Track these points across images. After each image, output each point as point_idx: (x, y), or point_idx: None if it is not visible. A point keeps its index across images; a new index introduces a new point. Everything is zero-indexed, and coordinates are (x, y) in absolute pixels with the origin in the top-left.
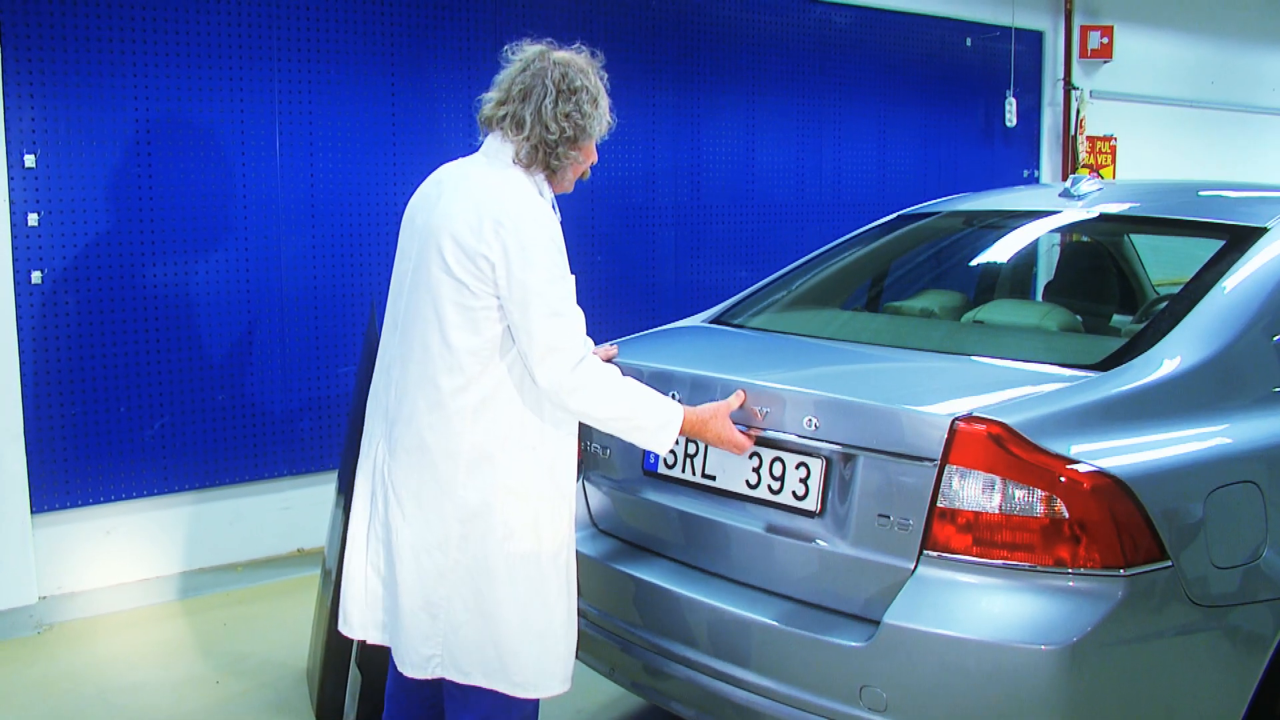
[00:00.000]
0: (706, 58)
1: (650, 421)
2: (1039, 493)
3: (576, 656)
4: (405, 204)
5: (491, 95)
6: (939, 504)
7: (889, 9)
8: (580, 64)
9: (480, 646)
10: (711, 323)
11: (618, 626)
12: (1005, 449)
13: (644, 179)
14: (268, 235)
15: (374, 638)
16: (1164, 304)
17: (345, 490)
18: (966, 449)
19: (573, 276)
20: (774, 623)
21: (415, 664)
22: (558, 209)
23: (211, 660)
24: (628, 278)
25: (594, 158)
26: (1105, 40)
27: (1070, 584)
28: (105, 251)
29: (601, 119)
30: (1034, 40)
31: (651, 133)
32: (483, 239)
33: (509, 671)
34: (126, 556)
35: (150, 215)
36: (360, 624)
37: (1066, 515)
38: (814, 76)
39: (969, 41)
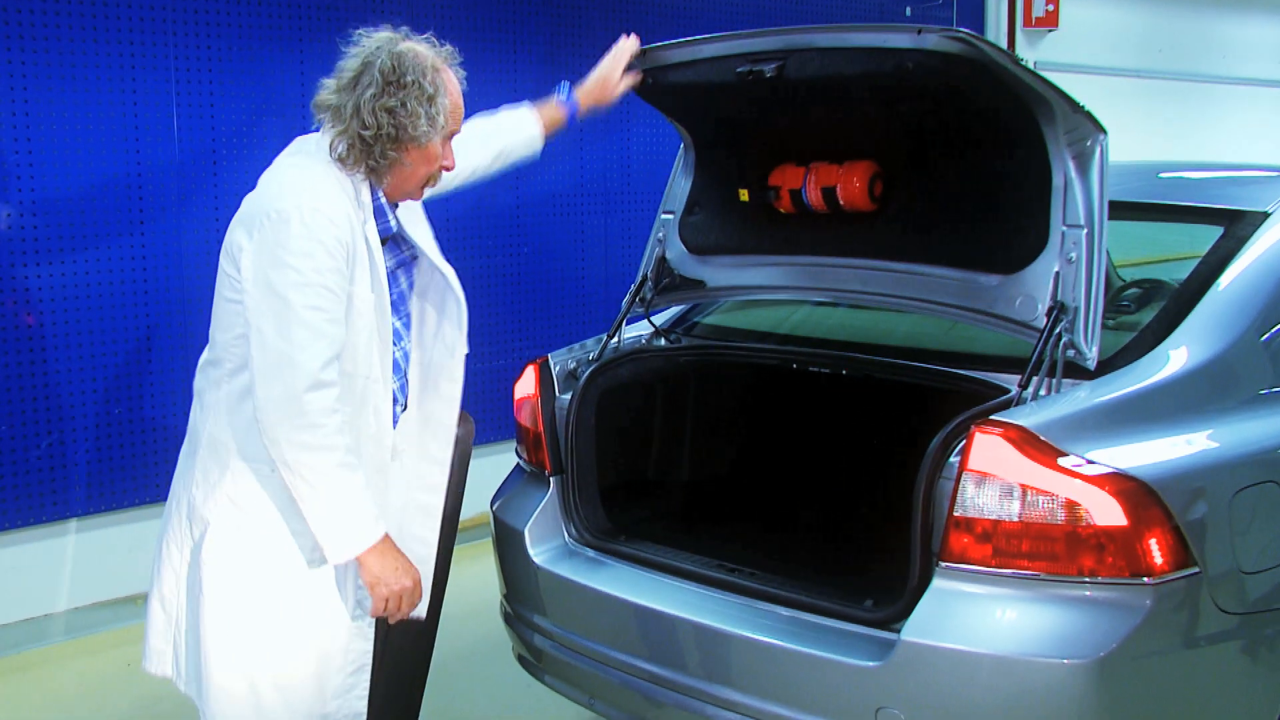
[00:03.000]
0: (636, 29)
1: (342, 518)
2: (1060, 498)
3: (546, 683)
4: None
5: (329, 81)
6: (955, 512)
7: None
8: (422, 57)
9: (192, 655)
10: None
11: (595, 650)
12: (1023, 453)
13: (573, 165)
14: (166, 228)
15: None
16: (1132, 289)
17: None
18: (983, 454)
19: (352, 294)
20: (779, 642)
21: (147, 655)
22: (391, 215)
23: (117, 708)
24: (556, 268)
25: (441, 161)
26: (1051, 8)
27: (1095, 594)
28: None
29: (434, 120)
30: (976, 8)
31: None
32: (249, 232)
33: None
34: (7, 594)
35: (30, 208)
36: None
37: (1090, 522)
38: None
39: (908, 11)
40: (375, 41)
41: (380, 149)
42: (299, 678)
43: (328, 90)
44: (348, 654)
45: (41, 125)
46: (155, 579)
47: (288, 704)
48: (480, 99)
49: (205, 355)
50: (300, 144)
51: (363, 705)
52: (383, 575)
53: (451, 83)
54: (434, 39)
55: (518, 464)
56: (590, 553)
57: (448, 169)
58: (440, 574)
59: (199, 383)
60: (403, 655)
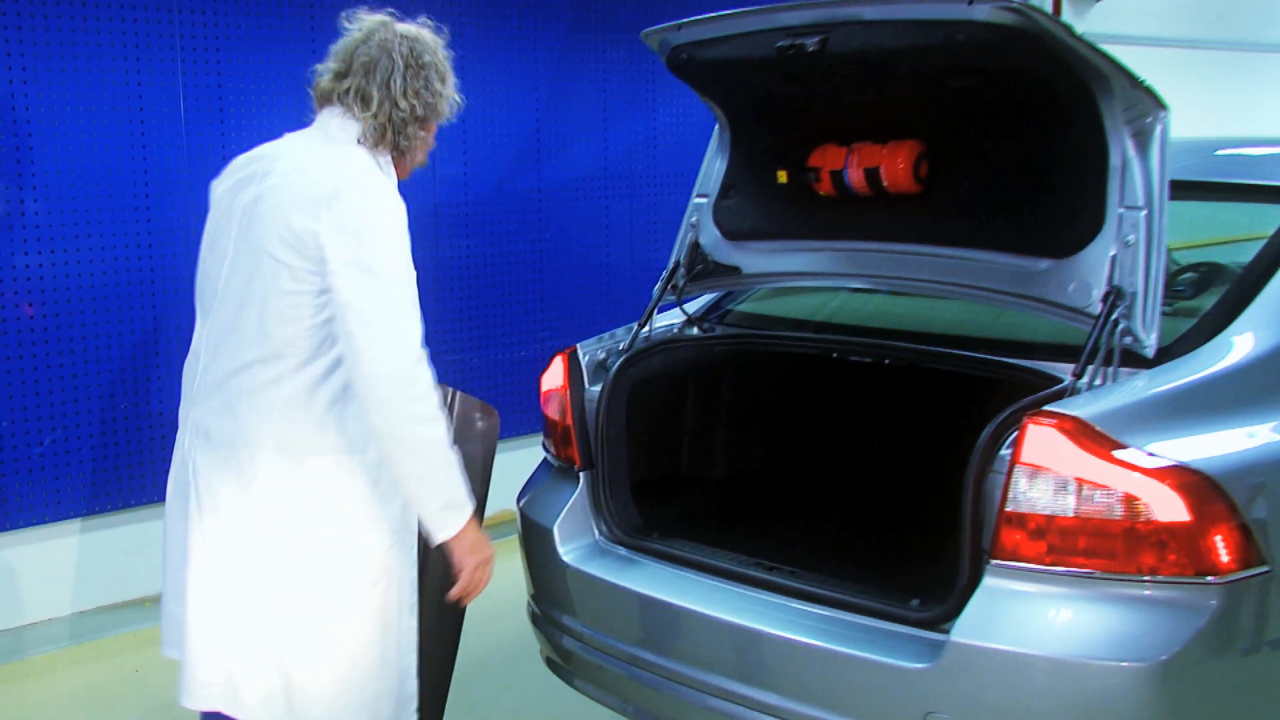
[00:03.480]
0: (663, 5)
1: (455, 491)
2: (1119, 493)
3: (575, 686)
4: None
5: (329, 66)
6: (1007, 508)
7: None
8: (427, 39)
9: (266, 675)
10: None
11: (627, 652)
12: (1078, 445)
13: (596, 146)
14: (174, 216)
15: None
16: (1188, 273)
17: None
18: (1036, 446)
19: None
20: (820, 643)
21: (191, 692)
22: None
23: (124, 716)
24: (579, 254)
25: (433, 143)
26: None
27: (1158, 594)
28: None
29: (450, 97)
30: None
31: (603, 95)
32: (317, 216)
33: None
34: (6, 598)
35: (30, 195)
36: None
37: (1150, 517)
38: None
39: None
40: (374, 25)
41: (411, 130)
42: (386, 664)
43: (334, 75)
44: (412, 634)
45: (41, 106)
46: (197, 608)
47: (378, 694)
48: (496, 83)
49: (250, 354)
50: (321, 128)
51: (415, 685)
52: (477, 546)
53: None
54: (428, 19)
55: (545, 459)
56: (622, 551)
57: (431, 149)
58: None
59: (240, 384)
60: (432, 650)
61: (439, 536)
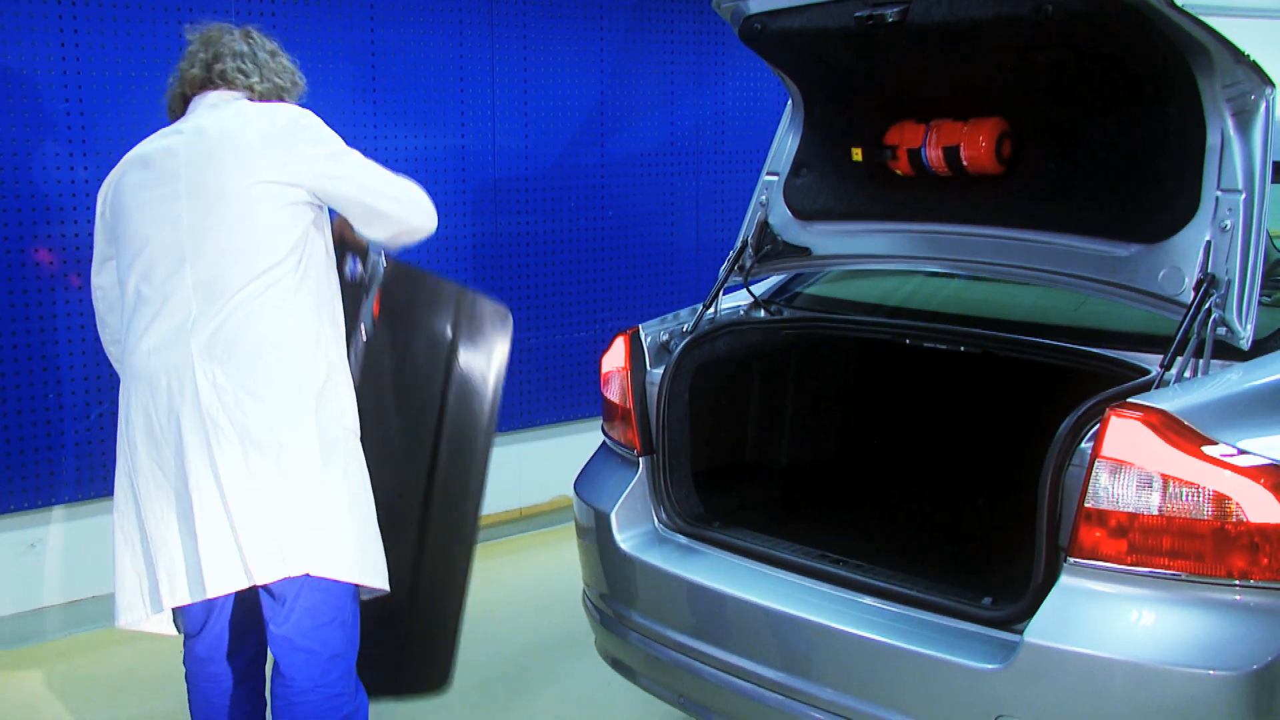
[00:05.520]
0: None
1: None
2: (1208, 491)
3: (631, 678)
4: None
5: (195, 62)
6: (1086, 504)
7: None
8: (254, 32)
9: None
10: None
11: (685, 644)
12: (1165, 440)
13: (663, 121)
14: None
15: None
16: None
17: None
18: (1119, 440)
19: None
20: (887, 640)
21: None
22: None
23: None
24: (642, 232)
25: None
26: None
27: (1248, 599)
28: None
29: (298, 76)
30: None
31: (670, 68)
32: (278, 143)
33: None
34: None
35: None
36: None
37: (1242, 518)
38: None
39: None
40: (217, 26)
41: (290, 100)
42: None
43: (202, 66)
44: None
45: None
46: (234, 482)
47: (378, 540)
48: (560, 53)
49: (257, 266)
50: (210, 105)
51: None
52: None
53: None
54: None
55: (603, 443)
56: (682, 539)
57: None
58: (476, 497)
59: (250, 292)
60: (434, 593)
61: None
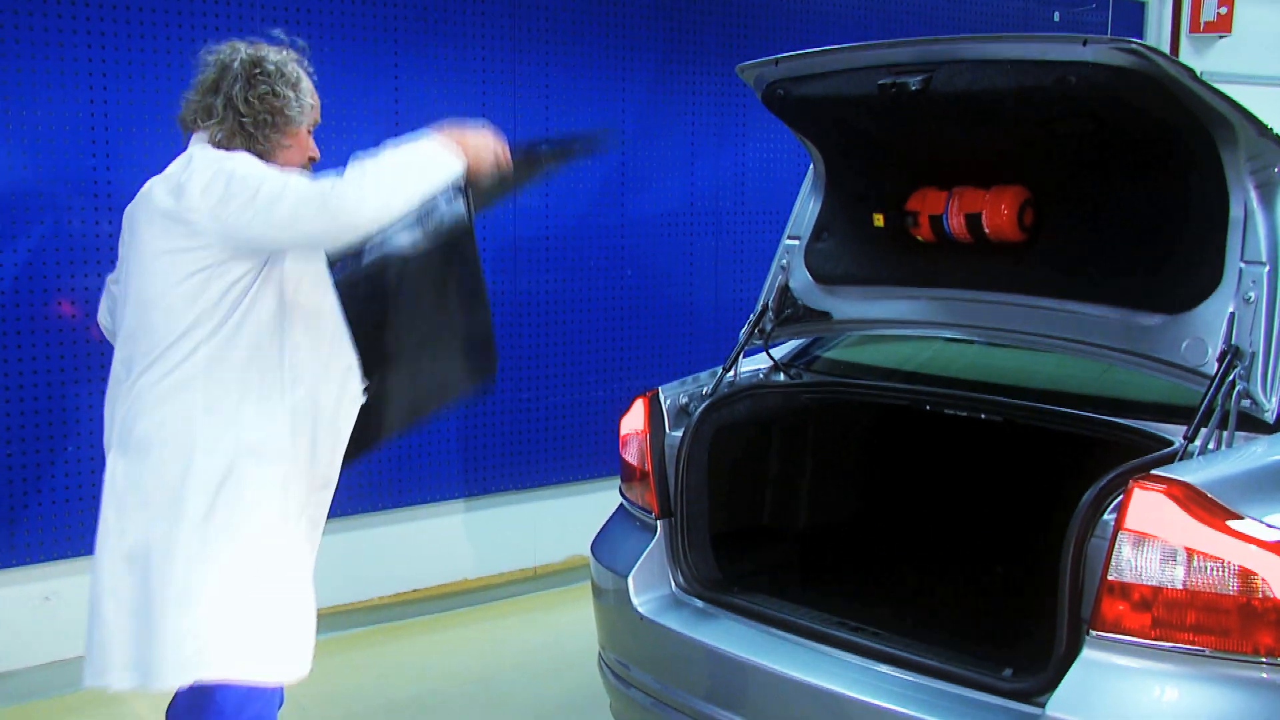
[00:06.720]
0: (754, 40)
1: (418, 158)
2: (1233, 566)
3: None
4: None
5: (189, 95)
6: (1109, 576)
7: None
8: (268, 51)
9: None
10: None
11: (700, 710)
12: (1189, 513)
13: (683, 181)
14: None
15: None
16: None
17: None
18: (1143, 512)
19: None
20: (905, 710)
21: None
22: None
23: None
24: (662, 293)
25: (311, 151)
26: (1224, 10)
27: (1275, 677)
28: None
29: (303, 101)
30: (1134, 13)
31: (691, 128)
32: (182, 194)
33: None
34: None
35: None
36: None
37: (1269, 594)
38: None
39: (1056, 16)
40: (227, 48)
41: (264, 134)
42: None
43: (191, 104)
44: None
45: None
46: (110, 587)
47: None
48: (582, 110)
49: (161, 344)
50: (190, 142)
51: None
52: (455, 135)
53: (306, 74)
54: (283, 36)
55: (621, 505)
56: (699, 603)
57: (314, 159)
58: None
59: (153, 374)
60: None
61: (448, 165)
